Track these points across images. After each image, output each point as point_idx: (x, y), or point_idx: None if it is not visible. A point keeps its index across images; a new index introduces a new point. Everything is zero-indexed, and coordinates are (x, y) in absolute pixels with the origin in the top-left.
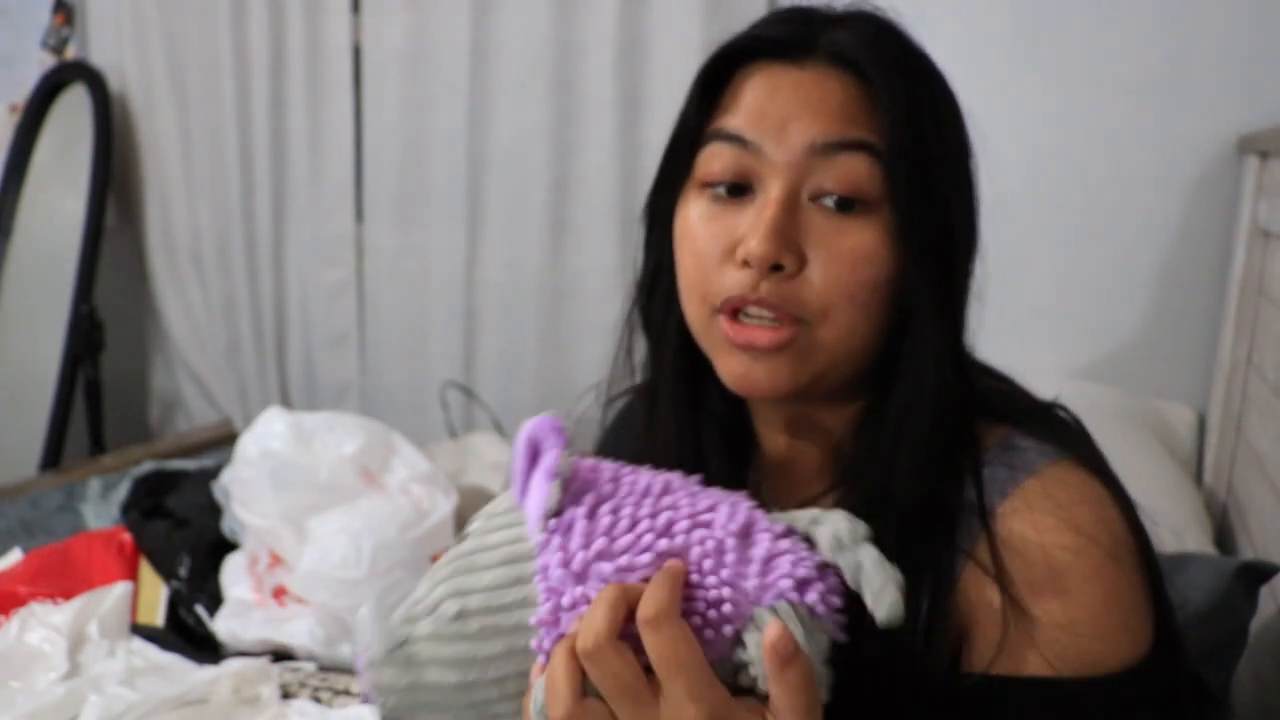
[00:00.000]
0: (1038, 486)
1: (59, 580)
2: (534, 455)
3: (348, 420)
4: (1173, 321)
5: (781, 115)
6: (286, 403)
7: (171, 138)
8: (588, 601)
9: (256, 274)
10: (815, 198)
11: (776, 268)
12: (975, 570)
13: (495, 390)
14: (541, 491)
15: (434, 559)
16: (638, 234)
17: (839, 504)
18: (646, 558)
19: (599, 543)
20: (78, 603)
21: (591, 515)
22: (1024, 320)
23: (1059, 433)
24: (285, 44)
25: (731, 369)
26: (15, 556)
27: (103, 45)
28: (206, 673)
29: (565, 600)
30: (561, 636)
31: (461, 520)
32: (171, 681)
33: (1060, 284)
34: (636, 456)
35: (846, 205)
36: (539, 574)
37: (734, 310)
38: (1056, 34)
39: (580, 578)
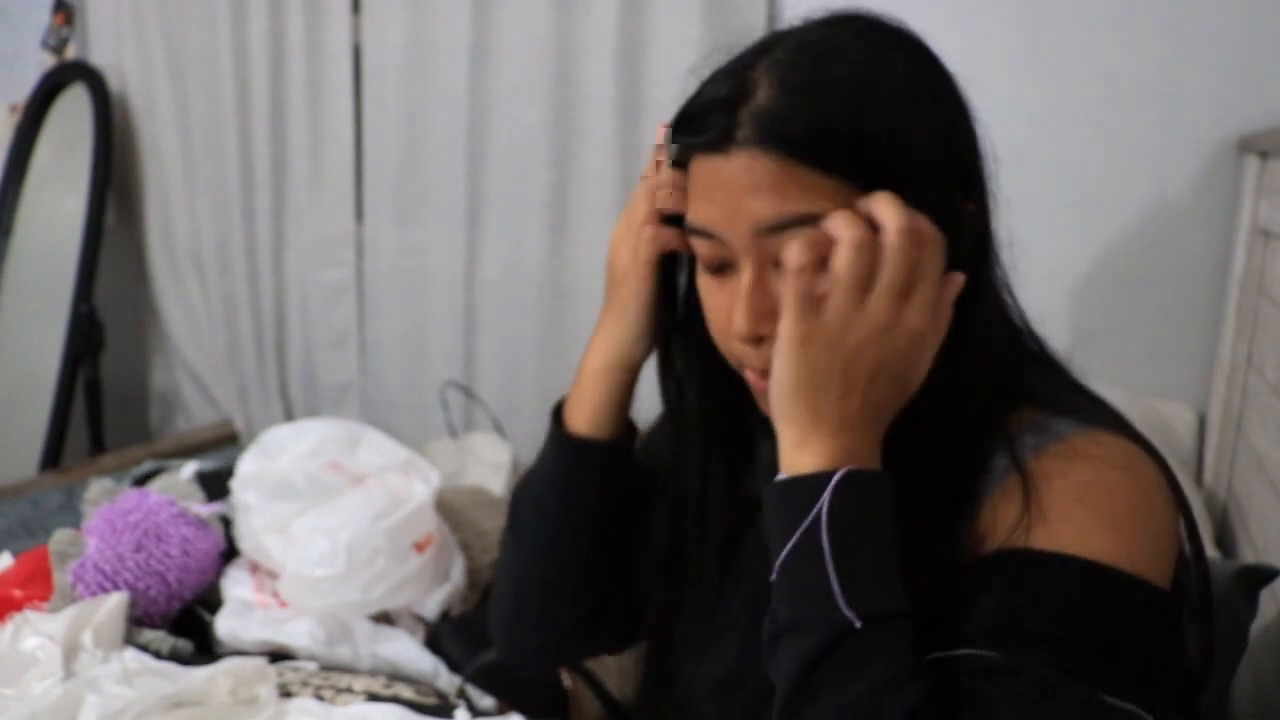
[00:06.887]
0: (1067, 446)
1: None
2: None
3: (308, 425)
4: (1173, 321)
5: (725, 207)
6: (287, 403)
7: (171, 138)
8: None
9: (256, 274)
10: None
11: (763, 338)
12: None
13: (495, 390)
14: None
15: (417, 546)
16: None
17: None
18: None
19: None
20: (70, 612)
21: None
22: None
23: (1105, 418)
24: (285, 44)
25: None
26: (6, 560)
27: (103, 45)
28: (203, 672)
29: None
30: None
31: (460, 517)
32: (169, 681)
33: (1059, 284)
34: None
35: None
36: None
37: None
38: (1056, 34)
39: None
